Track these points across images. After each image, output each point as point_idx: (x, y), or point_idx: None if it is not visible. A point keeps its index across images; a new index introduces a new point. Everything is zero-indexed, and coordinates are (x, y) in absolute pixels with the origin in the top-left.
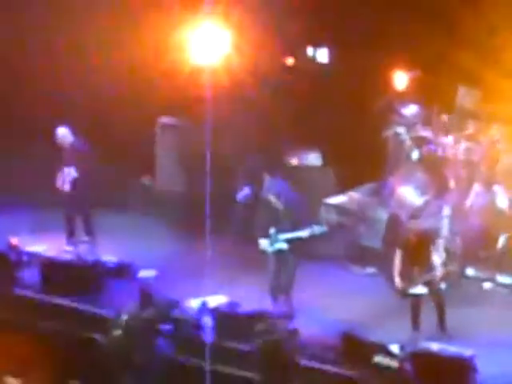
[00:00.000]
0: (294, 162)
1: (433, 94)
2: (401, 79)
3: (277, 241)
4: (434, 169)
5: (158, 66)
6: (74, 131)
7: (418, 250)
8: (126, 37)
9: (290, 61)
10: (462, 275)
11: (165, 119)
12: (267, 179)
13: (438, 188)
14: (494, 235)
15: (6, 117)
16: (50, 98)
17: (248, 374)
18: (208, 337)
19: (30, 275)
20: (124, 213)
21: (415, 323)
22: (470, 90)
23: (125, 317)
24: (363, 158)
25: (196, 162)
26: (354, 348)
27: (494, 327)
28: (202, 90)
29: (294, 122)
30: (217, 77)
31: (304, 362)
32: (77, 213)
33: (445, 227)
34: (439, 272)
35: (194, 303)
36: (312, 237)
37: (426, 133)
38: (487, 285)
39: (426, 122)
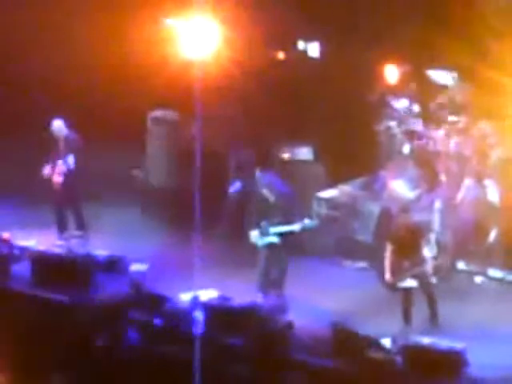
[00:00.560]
0: (286, 156)
1: (424, 88)
2: (392, 73)
3: (268, 234)
4: (426, 163)
5: (148, 60)
6: (68, 124)
7: (408, 244)
8: (117, 30)
9: (280, 55)
10: (453, 269)
11: (156, 113)
12: (259, 173)
13: (430, 182)
14: (484, 229)
15: None
16: (40, 91)
17: (239, 368)
18: (199, 330)
19: (22, 269)
20: (115, 207)
21: (406, 317)
22: (462, 84)
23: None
24: (355, 152)
25: (187, 155)
26: (346, 342)
27: (484, 321)
28: (192, 83)
29: (286, 116)
30: (207, 71)
31: (296, 355)
32: (68, 206)
33: (436, 221)
34: (429, 265)
35: (185, 297)
36: (303, 231)
37: (417, 127)
38: (478, 279)
39: (418, 115)
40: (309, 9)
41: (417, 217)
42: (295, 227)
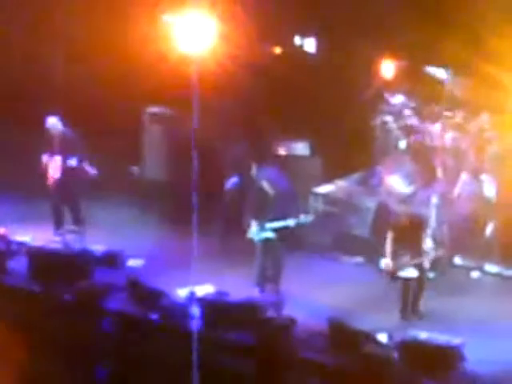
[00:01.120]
0: (282, 151)
1: (420, 83)
2: (389, 68)
3: (264, 229)
4: (422, 158)
5: (144, 56)
6: (63, 120)
7: (409, 232)
8: (113, 26)
9: (277, 50)
10: (450, 264)
11: (152, 108)
12: (257, 168)
13: (426, 177)
14: (481, 224)
15: None
16: (36, 87)
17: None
18: (195, 326)
19: (19, 264)
20: (112, 202)
21: (404, 309)
22: (458, 79)
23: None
24: (351, 147)
25: (183, 151)
26: (343, 337)
27: (481, 316)
28: (189, 79)
29: (282, 111)
30: (204, 66)
31: (298, 351)
32: (65, 201)
33: (432, 216)
34: (429, 258)
35: (181, 293)
36: (299, 226)
37: (413, 122)
38: (475, 273)
39: (414, 110)
40: (305, 4)
41: (415, 208)
42: (290, 222)
